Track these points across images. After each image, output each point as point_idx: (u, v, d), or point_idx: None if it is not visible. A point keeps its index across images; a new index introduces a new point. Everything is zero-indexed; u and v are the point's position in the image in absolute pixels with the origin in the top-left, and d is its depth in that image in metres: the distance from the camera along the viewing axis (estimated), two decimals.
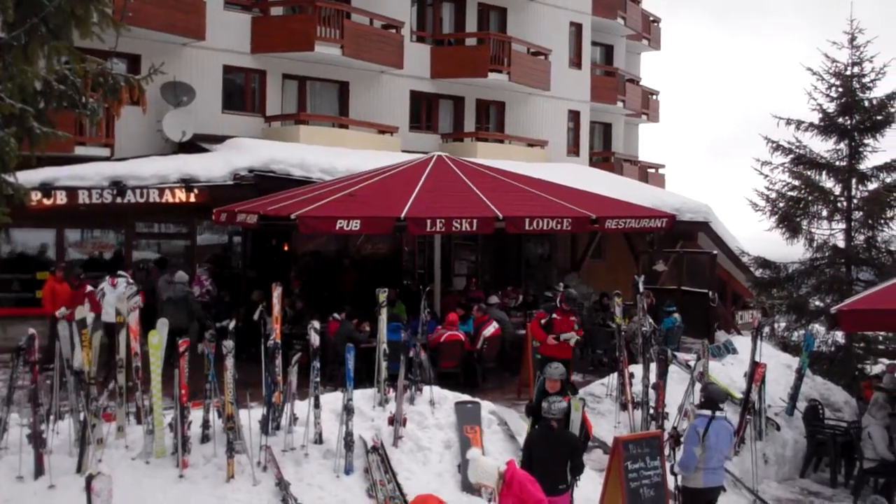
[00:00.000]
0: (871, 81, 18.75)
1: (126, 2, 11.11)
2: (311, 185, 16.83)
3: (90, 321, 9.70)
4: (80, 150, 17.77)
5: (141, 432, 9.83)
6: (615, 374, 13.25)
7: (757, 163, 19.56)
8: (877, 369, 16.91)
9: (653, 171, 35.51)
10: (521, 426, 11.26)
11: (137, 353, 10.34)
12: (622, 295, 14.39)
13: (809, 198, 18.97)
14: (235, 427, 9.75)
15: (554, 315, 12.70)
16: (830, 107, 18.99)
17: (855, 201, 18.79)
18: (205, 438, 10.00)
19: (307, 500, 9.35)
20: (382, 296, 11.86)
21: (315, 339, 10.56)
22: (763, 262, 20.08)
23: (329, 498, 9.53)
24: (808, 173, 19.17)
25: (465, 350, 14.39)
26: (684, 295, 19.28)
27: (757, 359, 13.07)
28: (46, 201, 16.20)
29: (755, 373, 12.99)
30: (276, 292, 11.09)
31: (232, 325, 10.54)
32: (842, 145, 18.95)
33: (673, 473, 9.55)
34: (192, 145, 19.78)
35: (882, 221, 18.51)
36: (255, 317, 11.39)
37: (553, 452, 8.50)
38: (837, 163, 18.94)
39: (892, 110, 18.62)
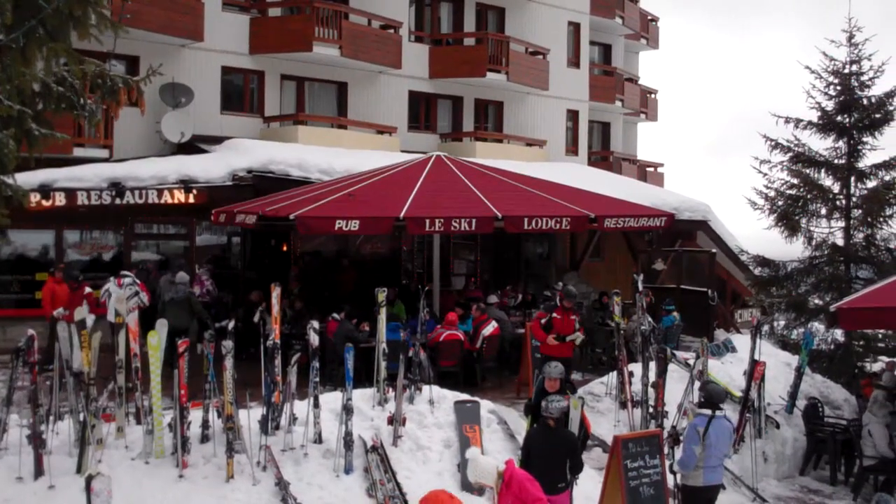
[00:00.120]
0: (870, 79, 18.80)
1: (124, 3, 11.15)
2: (310, 186, 16.84)
3: (90, 322, 9.70)
4: (78, 152, 17.79)
5: (140, 432, 9.83)
6: (614, 373, 13.27)
7: (756, 161, 19.61)
8: (876, 367, 16.91)
9: (651, 170, 35.52)
10: (521, 425, 11.26)
11: (137, 354, 10.35)
12: (621, 294, 14.40)
13: (808, 196, 19.00)
14: (235, 427, 9.76)
15: (554, 314, 12.70)
16: (829, 105, 19.02)
17: (854, 199, 18.82)
18: (204, 438, 10.01)
19: (307, 500, 9.36)
20: (381, 295, 11.87)
21: (314, 339, 10.57)
22: (762, 261, 20.10)
23: (329, 497, 9.53)
24: (807, 171, 19.20)
25: (465, 349, 14.40)
26: (683, 294, 19.28)
27: (756, 357, 13.08)
28: (45, 203, 16.22)
29: (754, 371, 13.00)
30: (275, 292, 11.10)
31: (231, 325, 10.54)
32: (840, 143, 18.98)
33: (672, 472, 9.55)
34: (191, 146, 19.80)
35: (881, 219, 18.54)
36: (256, 319, 11.39)
37: (552, 451, 8.50)
38: (836, 161, 18.97)
39: (891, 108, 18.65)
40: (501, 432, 11.28)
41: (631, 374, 12.78)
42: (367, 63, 23.03)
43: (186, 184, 17.40)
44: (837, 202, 18.85)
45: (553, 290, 16.70)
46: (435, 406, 11.31)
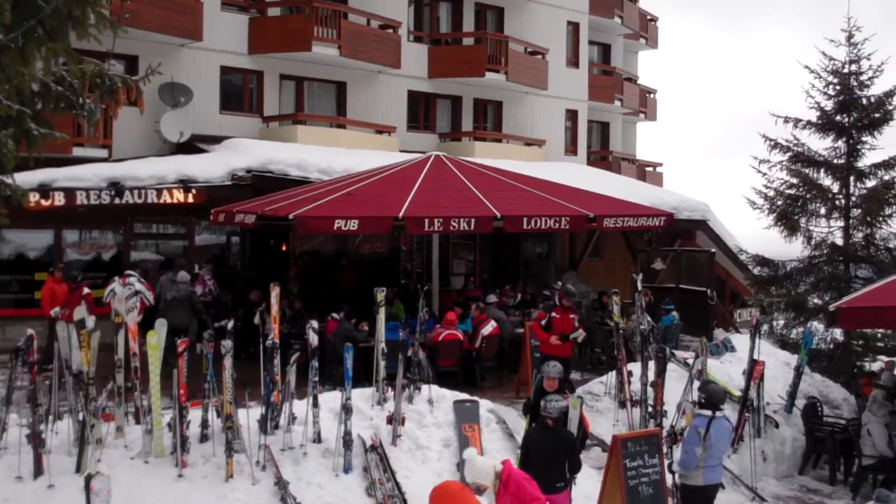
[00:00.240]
0: (869, 79, 18.80)
1: (123, 3, 11.15)
2: (309, 186, 16.84)
3: (90, 324, 9.69)
4: (77, 152, 17.78)
5: (140, 432, 9.84)
6: (613, 373, 13.27)
7: (755, 161, 19.62)
8: (875, 366, 16.91)
9: (651, 169, 35.52)
10: (520, 424, 11.26)
11: (136, 353, 10.36)
12: (620, 293, 14.40)
13: (808, 196, 19.01)
14: (234, 426, 9.78)
15: (553, 314, 12.70)
16: (828, 105, 19.03)
17: (853, 199, 18.82)
18: (204, 438, 10.02)
19: (306, 499, 9.36)
20: (381, 295, 11.87)
21: (313, 339, 10.57)
22: (761, 260, 20.11)
23: (328, 496, 9.54)
24: (807, 171, 19.21)
25: (464, 349, 14.41)
26: (683, 293, 19.29)
27: (755, 356, 13.08)
28: (45, 202, 16.21)
29: (754, 370, 13.00)
30: (274, 292, 11.11)
31: (230, 324, 10.54)
32: (840, 143, 18.99)
33: (671, 472, 9.55)
34: (190, 146, 19.79)
35: (880, 219, 18.55)
36: (256, 320, 11.38)
37: (550, 451, 8.50)
38: (835, 160, 18.97)
39: (890, 108, 18.66)
40: (500, 432, 11.29)
41: (630, 373, 12.78)
42: (366, 63, 23.03)
43: (185, 183, 17.40)
44: (837, 202, 18.86)
45: (552, 289, 16.71)
46: (434, 405, 11.32)
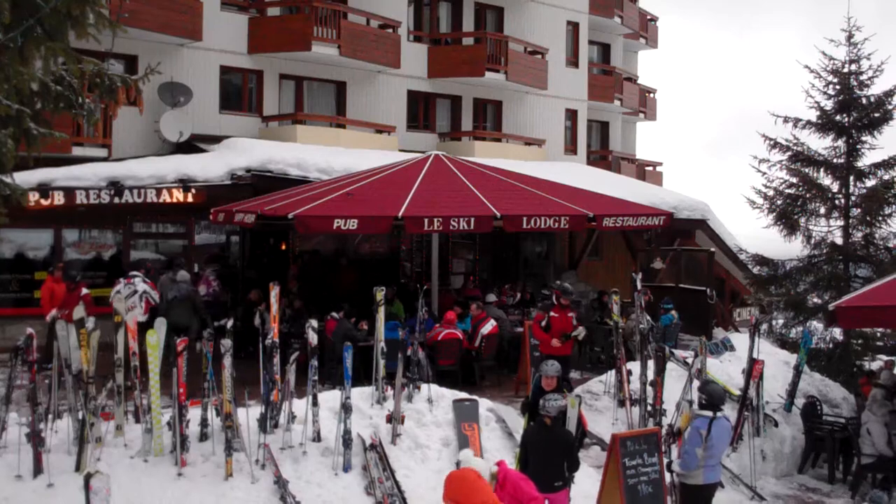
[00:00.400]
0: (869, 79, 18.83)
1: (122, 2, 11.14)
2: (309, 185, 16.84)
3: (90, 324, 9.70)
4: (77, 151, 17.79)
5: (139, 431, 9.85)
6: (613, 372, 13.27)
7: (755, 160, 19.64)
8: (874, 365, 16.93)
9: (650, 169, 35.50)
10: (519, 423, 11.25)
11: (136, 353, 10.36)
12: (620, 293, 14.41)
13: (807, 195, 19.03)
14: (234, 425, 9.79)
15: (551, 313, 12.70)
16: (828, 104, 19.05)
17: (853, 198, 18.84)
18: (203, 437, 10.03)
19: (306, 498, 9.37)
20: (380, 294, 11.88)
21: (313, 338, 10.58)
22: (761, 260, 20.13)
23: (327, 495, 9.55)
24: (806, 171, 19.23)
25: (463, 348, 14.41)
26: (682, 292, 19.30)
27: (755, 356, 13.09)
28: (44, 202, 16.21)
29: (753, 370, 13.01)
30: (274, 291, 11.11)
31: (230, 324, 10.55)
32: (839, 142, 19.01)
33: (670, 471, 9.56)
34: (190, 145, 19.79)
35: (880, 218, 18.58)
36: (256, 322, 11.38)
37: (548, 449, 8.50)
38: (835, 160, 18.99)
39: (890, 107, 18.69)
40: (500, 431, 11.30)
41: (629, 372, 12.78)
42: (366, 62, 23.03)
43: (185, 183, 17.40)
44: (836, 201, 18.87)
45: (550, 289, 16.71)
46: (433, 404, 11.33)
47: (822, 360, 17.95)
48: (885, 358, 16.08)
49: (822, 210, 19.01)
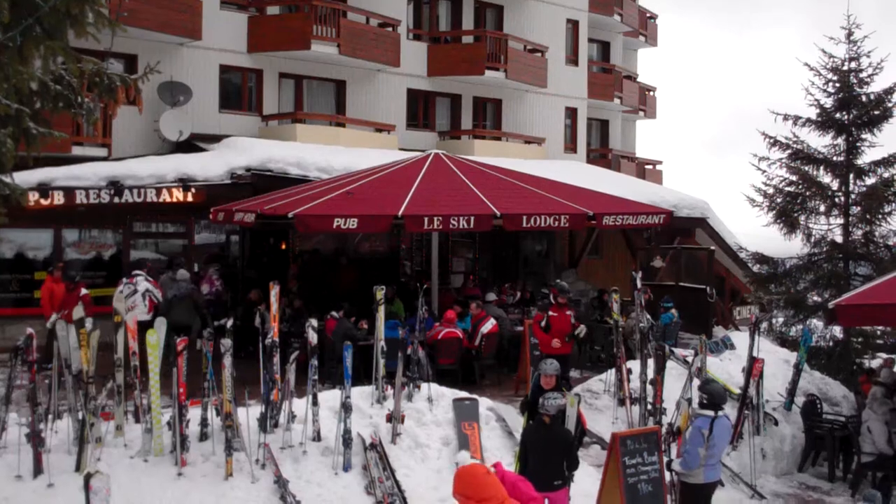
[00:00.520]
0: (869, 76, 18.83)
1: (121, 1, 11.13)
2: (309, 184, 16.83)
3: (90, 325, 9.69)
4: (77, 151, 17.78)
5: (139, 431, 9.85)
6: (613, 370, 13.27)
7: (754, 158, 19.63)
8: (875, 364, 16.94)
9: (650, 167, 35.50)
10: (519, 422, 11.23)
11: (136, 352, 10.36)
12: (620, 291, 14.41)
13: (807, 193, 19.03)
14: (234, 425, 9.79)
15: (550, 312, 12.70)
16: (828, 102, 19.04)
17: (852, 196, 18.83)
18: (203, 436, 10.04)
19: (306, 498, 9.37)
20: (380, 293, 11.88)
21: (313, 337, 10.58)
22: (761, 258, 20.12)
23: (327, 495, 9.55)
24: (806, 169, 19.22)
25: (463, 347, 14.41)
26: (682, 291, 19.30)
27: (755, 354, 13.08)
28: (44, 201, 16.20)
29: (753, 368, 13.01)
30: (274, 291, 11.10)
31: (230, 323, 10.55)
32: (839, 140, 19.00)
33: (670, 470, 9.55)
34: (189, 145, 19.78)
35: (880, 216, 18.57)
36: (257, 323, 11.38)
37: (547, 448, 8.50)
38: (835, 158, 18.99)
39: (890, 105, 18.69)
40: (500, 430, 11.30)
41: (629, 371, 12.78)
42: (366, 61, 23.02)
43: (185, 182, 17.39)
44: (836, 199, 18.87)
45: (549, 286, 16.71)
46: (433, 404, 11.33)
47: (822, 359, 17.95)
48: (885, 356, 16.08)
49: (822, 208, 19.01)
